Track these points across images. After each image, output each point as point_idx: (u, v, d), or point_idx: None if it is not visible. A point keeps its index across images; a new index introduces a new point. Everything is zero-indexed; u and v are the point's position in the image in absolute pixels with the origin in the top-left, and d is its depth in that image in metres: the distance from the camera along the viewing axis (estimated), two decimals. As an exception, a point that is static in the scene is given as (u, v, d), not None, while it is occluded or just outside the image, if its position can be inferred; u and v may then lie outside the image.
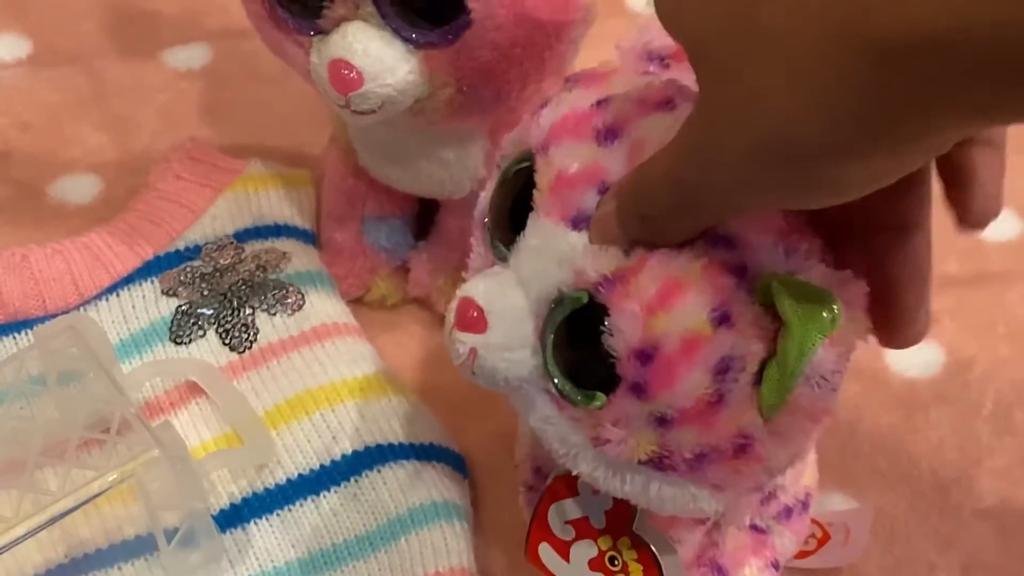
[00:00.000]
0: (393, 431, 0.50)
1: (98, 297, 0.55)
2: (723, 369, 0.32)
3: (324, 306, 0.55)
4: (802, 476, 0.45)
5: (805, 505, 0.45)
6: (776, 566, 0.45)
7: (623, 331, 0.32)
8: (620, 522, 0.41)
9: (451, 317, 0.36)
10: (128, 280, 0.55)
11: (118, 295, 0.55)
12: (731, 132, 0.28)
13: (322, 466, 0.49)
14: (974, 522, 0.52)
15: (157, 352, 0.53)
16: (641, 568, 0.40)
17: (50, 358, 0.47)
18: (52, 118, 0.68)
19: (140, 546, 0.47)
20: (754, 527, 0.44)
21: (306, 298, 0.54)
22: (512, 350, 0.35)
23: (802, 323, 0.30)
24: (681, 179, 0.30)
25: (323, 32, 0.46)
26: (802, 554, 0.47)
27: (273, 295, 0.54)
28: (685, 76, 0.35)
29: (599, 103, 0.35)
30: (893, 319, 0.34)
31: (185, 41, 0.73)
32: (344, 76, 0.45)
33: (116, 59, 0.72)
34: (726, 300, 0.32)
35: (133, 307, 0.54)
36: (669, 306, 0.32)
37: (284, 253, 0.56)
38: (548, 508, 0.42)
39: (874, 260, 0.34)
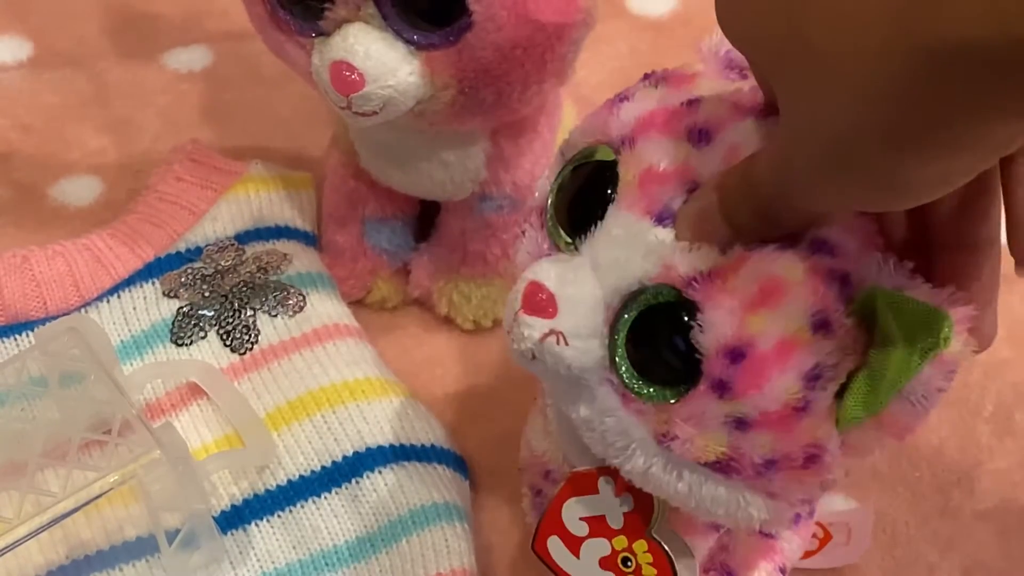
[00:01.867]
0: (394, 432, 0.50)
1: (99, 299, 0.55)
2: (815, 376, 0.32)
3: (325, 308, 0.55)
4: None
5: (811, 511, 0.45)
6: (784, 571, 0.45)
7: (716, 326, 0.32)
8: (638, 524, 0.40)
9: (517, 300, 0.35)
10: (129, 282, 0.55)
11: (119, 297, 0.55)
12: (801, 141, 0.29)
13: (323, 467, 0.49)
14: (975, 524, 0.52)
15: (158, 353, 0.53)
16: (656, 572, 0.40)
17: (51, 360, 0.47)
18: (53, 120, 0.68)
19: (141, 547, 0.47)
20: (763, 532, 0.44)
21: (307, 300, 0.54)
22: (581, 338, 0.35)
23: (909, 341, 0.30)
24: (776, 180, 0.31)
25: (324, 34, 0.46)
26: (805, 554, 0.47)
27: (274, 297, 0.54)
28: None
29: (690, 103, 0.35)
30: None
31: (186, 43, 0.73)
32: (345, 78, 0.45)
33: (117, 61, 0.72)
34: (827, 306, 0.32)
35: (134, 309, 0.55)
36: (770, 305, 0.32)
37: (285, 255, 0.56)
38: (564, 502, 0.42)
39: (947, 276, 0.34)
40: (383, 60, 0.45)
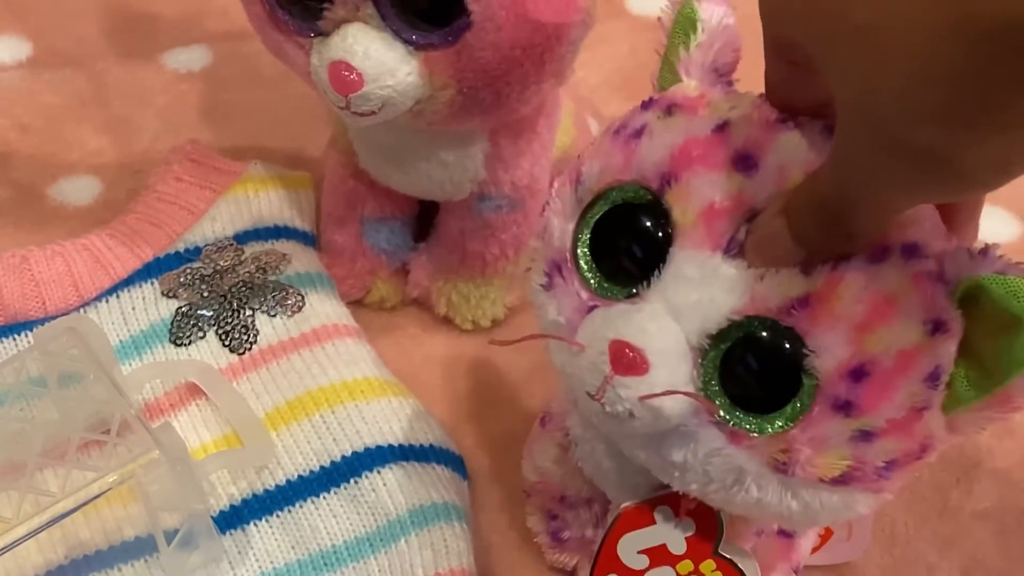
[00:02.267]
0: (393, 432, 0.50)
1: (98, 299, 0.55)
2: (936, 376, 0.32)
3: (324, 308, 0.55)
4: None
5: None
6: (796, 570, 0.44)
7: (833, 350, 0.32)
8: (703, 545, 0.40)
9: (603, 364, 0.34)
10: (128, 282, 0.55)
11: (118, 297, 0.55)
12: (857, 132, 0.28)
13: (322, 467, 0.49)
14: (974, 524, 0.52)
15: (157, 354, 0.53)
16: None
17: (50, 359, 0.47)
18: (52, 120, 0.68)
19: (140, 547, 0.47)
20: (782, 532, 0.44)
21: (306, 300, 0.54)
22: (676, 388, 0.34)
23: None
24: (840, 188, 0.31)
25: (323, 34, 0.46)
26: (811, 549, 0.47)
27: (273, 297, 0.54)
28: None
29: (720, 128, 0.35)
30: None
31: (185, 43, 0.73)
32: (344, 78, 0.45)
33: (116, 61, 0.72)
34: (938, 309, 0.32)
35: (133, 309, 0.55)
36: (885, 323, 0.32)
37: (284, 255, 0.56)
38: (617, 540, 0.41)
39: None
40: (382, 60, 0.45)
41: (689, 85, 0.37)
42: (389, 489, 0.48)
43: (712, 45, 0.37)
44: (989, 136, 0.26)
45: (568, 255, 0.37)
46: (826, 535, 0.47)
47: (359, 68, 0.45)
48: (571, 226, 0.37)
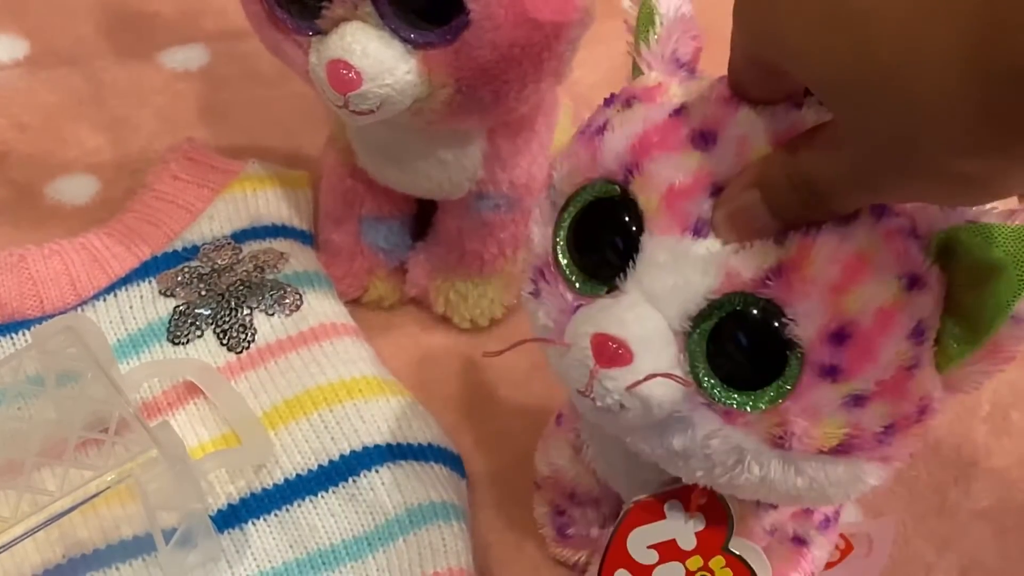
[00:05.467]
0: (391, 431, 0.50)
1: (96, 297, 0.55)
2: (919, 332, 0.32)
3: (322, 306, 0.55)
4: None
5: (837, 515, 0.45)
6: None
7: (812, 316, 0.32)
8: (713, 541, 0.40)
9: (588, 357, 0.34)
10: (126, 280, 0.55)
11: (116, 295, 0.55)
12: (864, 148, 0.29)
13: (320, 466, 0.49)
14: (972, 523, 0.52)
15: (155, 352, 0.53)
16: None
17: (48, 358, 0.47)
18: (50, 119, 0.68)
19: (138, 546, 0.47)
20: (796, 538, 0.43)
21: (304, 298, 0.54)
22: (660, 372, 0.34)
23: (1013, 264, 0.30)
24: (835, 177, 0.31)
25: (322, 32, 0.46)
26: (826, 565, 0.47)
27: (271, 295, 0.54)
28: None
29: (676, 112, 0.35)
30: None
31: (183, 42, 0.73)
32: (343, 76, 0.45)
33: (114, 60, 0.72)
34: (912, 263, 0.32)
35: (131, 307, 0.54)
36: (860, 281, 0.32)
37: (282, 253, 0.56)
38: (627, 535, 0.41)
39: None
40: (380, 59, 0.45)
41: (649, 77, 0.37)
42: (387, 488, 0.48)
43: (671, 36, 0.37)
44: (1005, 164, 0.27)
45: (549, 259, 0.37)
46: (846, 550, 0.47)
47: (357, 67, 0.45)
48: (549, 230, 0.37)
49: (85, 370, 0.46)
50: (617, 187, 0.35)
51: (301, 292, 0.55)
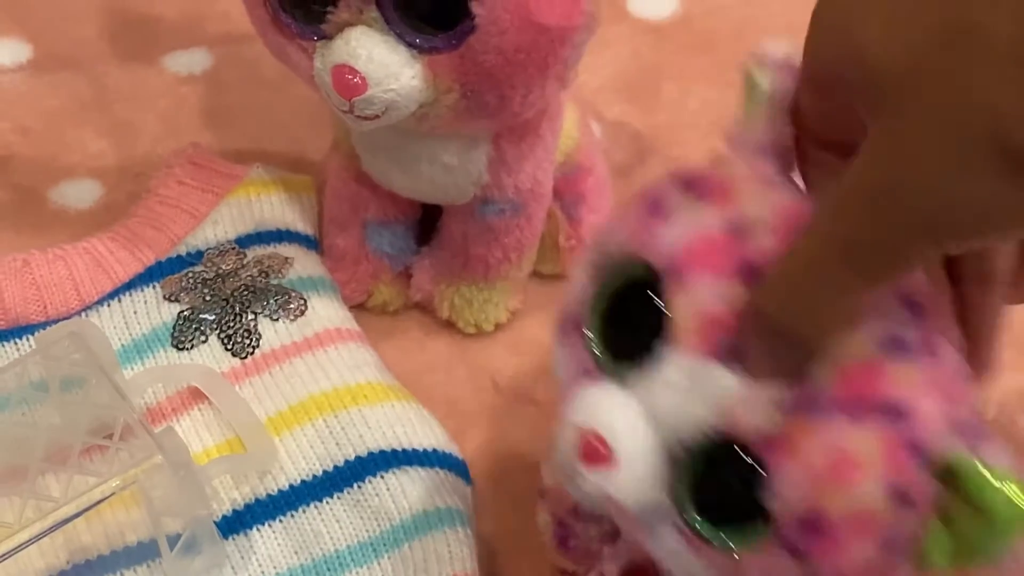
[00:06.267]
0: (396, 437, 0.50)
1: (100, 303, 0.55)
2: (895, 545, 0.31)
3: (326, 312, 0.55)
4: None
5: None
6: None
7: (785, 496, 0.31)
8: None
9: (570, 448, 0.34)
10: (130, 285, 0.55)
11: (120, 300, 0.55)
12: (937, 153, 0.27)
13: (325, 472, 0.49)
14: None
15: (159, 358, 0.53)
16: None
17: (52, 364, 0.47)
18: (53, 123, 0.68)
19: (142, 552, 0.47)
20: None
21: (308, 303, 0.54)
22: (643, 488, 0.34)
23: (1013, 519, 0.29)
24: (865, 233, 0.29)
25: (326, 37, 0.46)
26: None
27: (275, 300, 0.54)
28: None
29: (735, 231, 0.33)
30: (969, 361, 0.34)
31: (186, 46, 0.73)
32: (348, 81, 0.45)
33: (117, 64, 0.72)
34: (904, 478, 0.31)
35: (135, 313, 0.54)
36: (844, 481, 0.31)
37: (286, 258, 0.56)
38: None
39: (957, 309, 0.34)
40: (385, 64, 0.45)
41: (729, 164, 0.36)
42: (392, 494, 0.48)
43: (770, 123, 0.35)
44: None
45: (581, 318, 0.37)
46: None
47: (363, 71, 0.44)
48: (591, 290, 0.37)
49: (89, 376, 0.46)
50: (656, 279, 0.34)
51: (306, 297, 0.55)
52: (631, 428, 0.34)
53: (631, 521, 0.36)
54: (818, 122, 0.33)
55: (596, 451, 0.34)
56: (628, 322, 0.35)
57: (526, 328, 0.59)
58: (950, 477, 0.31)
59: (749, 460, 0.32)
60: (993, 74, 0.25)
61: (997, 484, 0.30)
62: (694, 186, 0.35)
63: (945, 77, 0.26)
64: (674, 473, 0.34)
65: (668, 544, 0.35)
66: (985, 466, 0.30)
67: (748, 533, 0.33)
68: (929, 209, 0.27)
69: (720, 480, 0.33)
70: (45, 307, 0.54)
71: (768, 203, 0.34)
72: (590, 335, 0.36)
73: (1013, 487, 0.29)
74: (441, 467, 0.50)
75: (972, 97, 0.26)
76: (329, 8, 0.45)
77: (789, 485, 0.31)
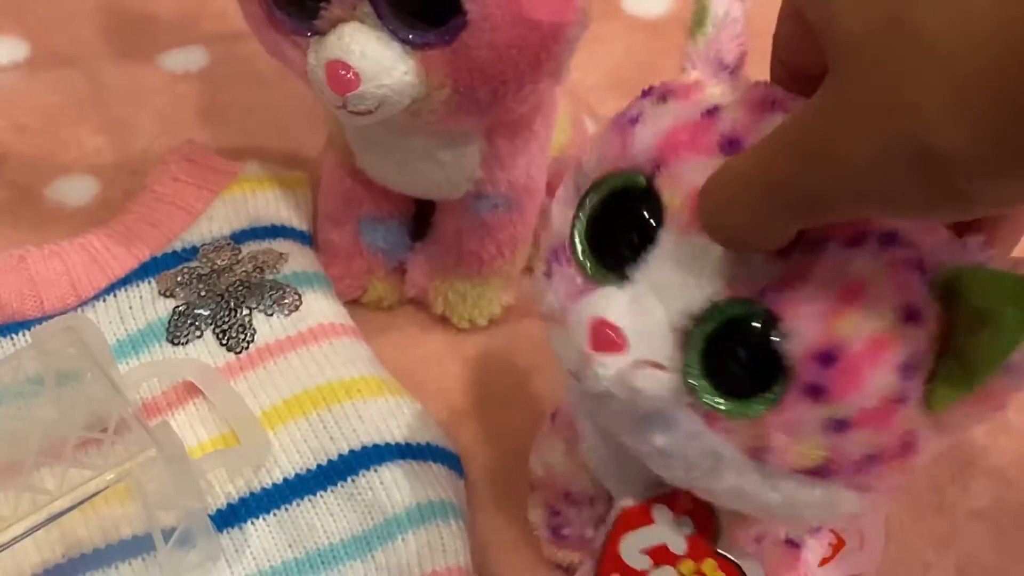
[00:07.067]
0: (390, 431, 0.50)
1: (95, 298, 0.55)
2: (910, 366, 0.32)
3: (321, 307, 0.55)
4: None
5: None
6: None
7: (802, 333, 0.32)
8: (703, 545, 0.40)
9: (584, 339, 0.34)
10: (125, 281, 0.55)
11: (115, 296, 0.55)
12: (862, 133, 0.27)
13: (319, 466, 0.49)
14: (969, 522, 0.52)
15: (154, 353, 0.53)
16: None
17: (48, 358, 0.47)
18: (49, 120, 0.69)
19: (137, 546, 0.47)
20: (789, 542, 0.43)
21: (303, 299, 0.55)
22: (656, 370, 0.34)
23: (1011, 315, 0.30)
24: (786, 178, 0.29)
25: (320, 33, 0.46)
26: (820, 561, 0.47)
27: (270, 296, 0.54)
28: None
29: (709, 113, 0.34)
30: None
31: (182, 44, 0.73)
32: (341, 77, 0.45)
33: (113, 62, 0.72)
34: (912, 297, 0.31)
35: (130, 308, 0.55)
36: (855, 306, 0.31)
37: (281, 254, 0.56)
38: (619, 540, 0.41)
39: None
40: (378, 59, 0.45)
41: (689, 75, 0.37)
42: (386, 487, 0.48)
43: (717, 38, 0.37)
44: (1013, 171, 0.26)
45: (566, 242, 0.37)
46: (838, 545, 0.47)
47: (356, 67, 0.45)
48: (570, 213, 0.37)
49: (85, 370, 0.46)
50: (643, 179, 0.35)
51: (300, 292, 0.55)
52: (636, 310, 0.34)
53: (645, 418, 0.35)
54: (796, 55, 0.34)
55: (607, 337, 0.34)
56: (613, 237, 0.36)
57: (520, 323, 0.60)
58: (954, 291, 0.31)
59: (759, 309, 0.32)
60: (926, 76, 0.26)
61: (1002, 286, 0.30)
62: (659, 92, 0.37)
63: (886, 64, 0.27)
64: (686, 351, 0.34)
65: (687, 428, 0.35)
66: (988, 271, 0.31)
67: (767, 394, 0.33)
68: (844, 175, 0.28)
69: (733, 345, 0.33)
70: (41, 302, 0.54)
71: (733, 92, 0.35)
72: (579, 252, 0.37)
73: (1019, 289, 0.29)
74: (434, 461, 0.50)
75: (903, 92, 0.26)
76: (322, 4, 0.45)
77: (803, 322, 0.32)
